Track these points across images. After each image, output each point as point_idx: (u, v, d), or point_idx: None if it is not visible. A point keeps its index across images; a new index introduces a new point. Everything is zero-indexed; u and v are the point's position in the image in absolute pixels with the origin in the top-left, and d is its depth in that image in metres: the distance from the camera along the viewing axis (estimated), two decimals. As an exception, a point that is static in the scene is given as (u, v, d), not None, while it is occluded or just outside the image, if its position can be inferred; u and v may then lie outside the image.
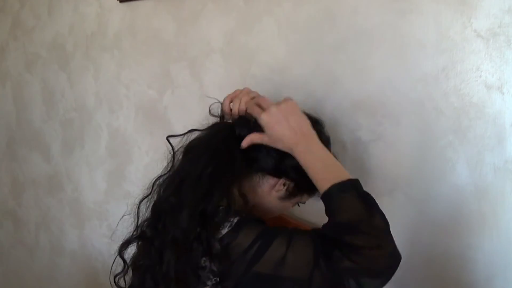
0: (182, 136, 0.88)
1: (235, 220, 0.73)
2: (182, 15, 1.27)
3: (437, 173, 0.96)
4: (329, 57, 1.05)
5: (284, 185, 0.85)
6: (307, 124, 0.79)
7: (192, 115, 1.30)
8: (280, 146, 0.79)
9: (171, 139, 0.89)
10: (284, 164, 0.82)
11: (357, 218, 0.68)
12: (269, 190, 0.85)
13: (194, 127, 0.89)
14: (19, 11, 1.69)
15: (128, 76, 1.43)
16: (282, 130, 0.77)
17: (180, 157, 0.86)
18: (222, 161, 0.80)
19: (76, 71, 1.56)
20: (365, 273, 0.66)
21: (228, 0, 1.18)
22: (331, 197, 0.71)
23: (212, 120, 0.91)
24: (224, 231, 0.72)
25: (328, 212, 0.72)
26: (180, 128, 1.34)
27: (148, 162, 1.43)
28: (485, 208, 0.92)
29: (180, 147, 0.87)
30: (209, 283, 0.72)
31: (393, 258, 0.68)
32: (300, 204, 0.95)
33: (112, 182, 1.54)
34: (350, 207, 0.69)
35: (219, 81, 1.23)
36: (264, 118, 0.78)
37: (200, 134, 0.87)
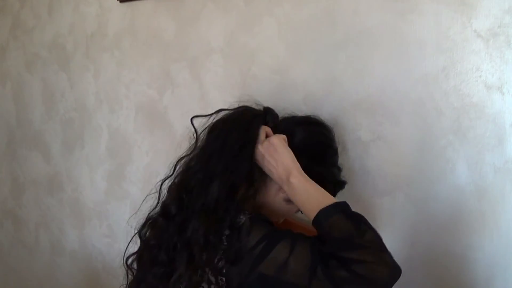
0: (209, 116, 0.89)
1: (247, 217, 0.74)
2: (182, 15, 1.27)
3: (437, 173, 0.96)
4: (329, 57, 1.05)
5: None
6: (287, 158, 0.80)
7: (192, 115, 1.30)
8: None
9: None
10: None
11: (348, 234, 0.69)
12: (276, 191, 0.86)
13: (196, 124, 0.90)
14: (19, 11, 1.69)
15: (128, 76, 1.43)
16: (268, 167, 0.81)
17: (205, 136, 0.87)
18: (250, 136, 0.81)
19: (76, 71, 1.56)
20: (364, 284, 0.66)
21: (228, 0, 1.18)
22: (320, 222, 0.72)
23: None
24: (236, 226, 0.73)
25: (321, 236, 0.73)
26: (180, 128, 1.34)
27: (148, 162, 1.43)
28: (485, 208, 0.92)
29: (203, 129, 0.89)
30: (214, 283, 0.72)
31: (393, 272, 0.68)
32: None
33: (112, 182, 1.54)
34: (339, 226, 0.70)
35: (219, 81, 1.23)
36: (257, 153, 0.82)
37: (227, 113, 0.88)
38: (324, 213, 0.72)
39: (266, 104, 1.08)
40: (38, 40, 1.65)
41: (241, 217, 0.75)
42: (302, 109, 1.08)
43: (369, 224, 0.72)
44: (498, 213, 0.91)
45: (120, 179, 1.51)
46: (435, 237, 0.98)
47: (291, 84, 1.11)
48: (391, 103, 0.98)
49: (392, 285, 0.68)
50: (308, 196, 0.77)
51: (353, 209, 0.76)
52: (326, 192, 0.78)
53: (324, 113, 1.00)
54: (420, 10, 0.93)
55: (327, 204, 0.73)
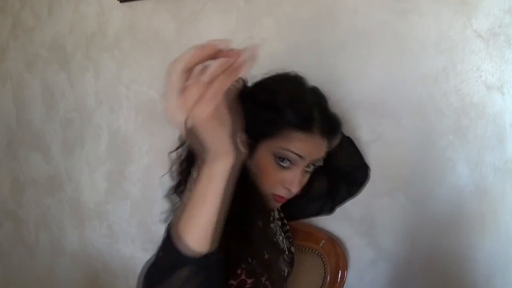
0: None
1: None
2: (182, 15, 1.27)
3: (437, 173, 0.96)
4: (329, 57, 1.05)
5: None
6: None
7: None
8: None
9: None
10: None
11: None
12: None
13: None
14: (19, 11, 1.69)
15: (128, 76, 1.43)
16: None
17: None
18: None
19: (76, 71, 1.56)
20: None
21: (228, 0, 1.18)
22: (169, 245, 0.54)
23: None
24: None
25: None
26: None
27: (148, 162, 1.43)
28: (485, 208, 0.92)
29: None
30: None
31: None
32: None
33: (112, 182, 1.54)
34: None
35: (219, 81, 1.23)
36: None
37: None
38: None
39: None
40: (38, 40, 1.65)
41: None
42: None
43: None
44: (498, 213, 0.91)
45: (120, 179, 1.51)
46: (435, 237, 0.98)
47: (291, 84, 1.11)
48: (391, 103, 0.98)
49: None
50: (197, 206, 0.54)
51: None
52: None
53: (324, 113, 1.00)
54: (420, 10, 0.93)
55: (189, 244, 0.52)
